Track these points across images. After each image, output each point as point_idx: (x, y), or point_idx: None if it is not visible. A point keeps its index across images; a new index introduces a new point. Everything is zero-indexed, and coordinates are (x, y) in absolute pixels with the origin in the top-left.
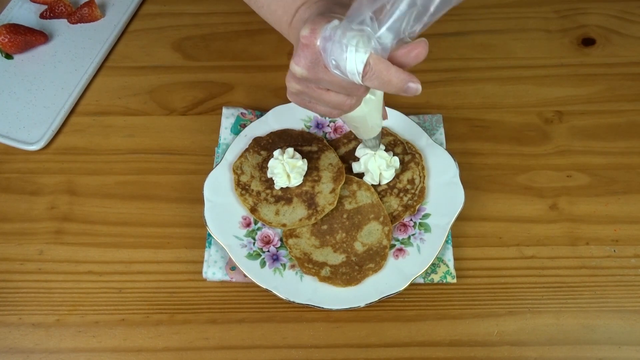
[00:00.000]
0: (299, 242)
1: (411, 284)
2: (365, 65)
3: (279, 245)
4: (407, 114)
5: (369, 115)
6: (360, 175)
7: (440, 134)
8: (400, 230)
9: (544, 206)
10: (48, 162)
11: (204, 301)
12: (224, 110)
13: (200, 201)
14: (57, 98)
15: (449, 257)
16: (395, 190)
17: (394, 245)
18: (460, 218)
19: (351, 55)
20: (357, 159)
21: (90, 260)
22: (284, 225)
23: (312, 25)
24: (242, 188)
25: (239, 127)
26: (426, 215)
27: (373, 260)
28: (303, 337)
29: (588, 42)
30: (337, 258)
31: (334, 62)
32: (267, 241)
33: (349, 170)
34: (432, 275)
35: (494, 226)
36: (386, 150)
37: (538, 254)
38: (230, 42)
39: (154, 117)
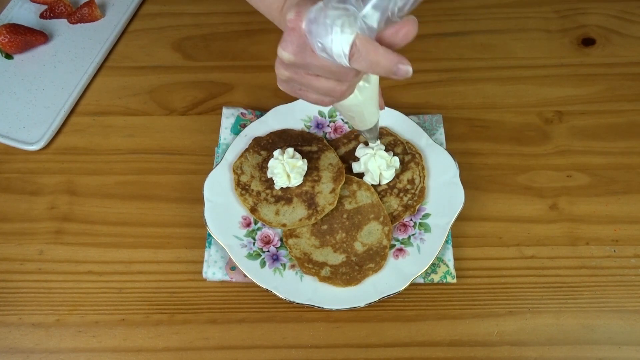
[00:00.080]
0: (299, 242)
1: (411, 284)
2: (352, 47)
3: (279, 245)
4: (407, 114)
5: (363, 104)
6: (360, 175)
7: (440, 134)
8: (400, 230)
9: (544, 206)
10: (48, 162)
11: (204, 301)
12: (224, 110)
13: (200, 201)
14: (57, 98)
15: (449, 257)
16: (395, 190)
17: (394, 245)
18: (460, 218)
19: (336, 36)
20: (357, 159)
21: (90, 260)
22: (284, 225)
23: (297, 8)
24: (242, 188)
25: (239, 127)
26: (426, 215)
27: (373, 260)
28: (303, 337)
29: (588, 42)
30: (337, 258)
31: (319, 45)
32: (267, 241)
33: (349, 170)
34: (432, 275)
35: (494, 226)
36: (386, 150)
37: (538, 254)
38: (230, 42)
39: (154, 117)
